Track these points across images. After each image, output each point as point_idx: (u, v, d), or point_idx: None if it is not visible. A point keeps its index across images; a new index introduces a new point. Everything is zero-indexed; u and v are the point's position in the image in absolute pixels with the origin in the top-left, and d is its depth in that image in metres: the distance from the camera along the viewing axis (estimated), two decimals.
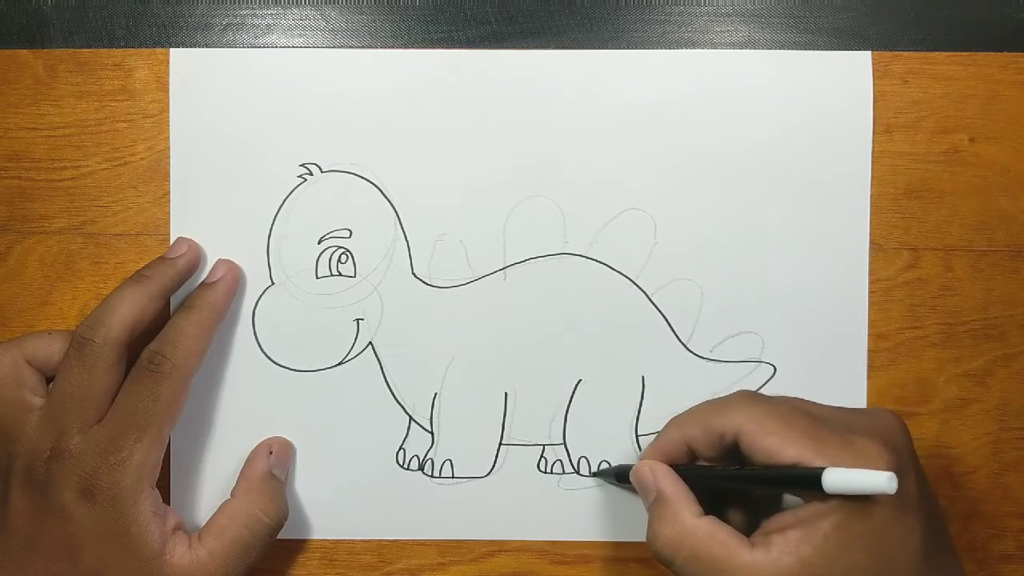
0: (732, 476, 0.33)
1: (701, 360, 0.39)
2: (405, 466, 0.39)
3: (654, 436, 0.39)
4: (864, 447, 0.31)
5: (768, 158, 0.39)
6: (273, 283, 0.39)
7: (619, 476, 0.38)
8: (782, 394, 0.39)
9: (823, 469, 0.29)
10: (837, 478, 0.29)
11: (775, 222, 0.39)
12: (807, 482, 0.30)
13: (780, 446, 0.31)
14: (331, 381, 0.39)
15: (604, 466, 0.39)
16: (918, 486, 0.31)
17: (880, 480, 0.28)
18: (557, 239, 0.39)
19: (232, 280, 0.38)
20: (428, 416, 0.39)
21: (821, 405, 0.34)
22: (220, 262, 0.38)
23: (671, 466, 0.35)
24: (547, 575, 0.39)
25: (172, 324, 0.36)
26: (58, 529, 0.33)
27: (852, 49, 0.39)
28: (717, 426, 0.33)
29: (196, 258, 0.38)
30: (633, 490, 0.36)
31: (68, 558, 0.33)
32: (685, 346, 0.39)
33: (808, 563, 0.30)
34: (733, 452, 0.33)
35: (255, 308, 0.39)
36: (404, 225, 0.39)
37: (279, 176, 0.39)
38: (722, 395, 0.39)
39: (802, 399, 0.34)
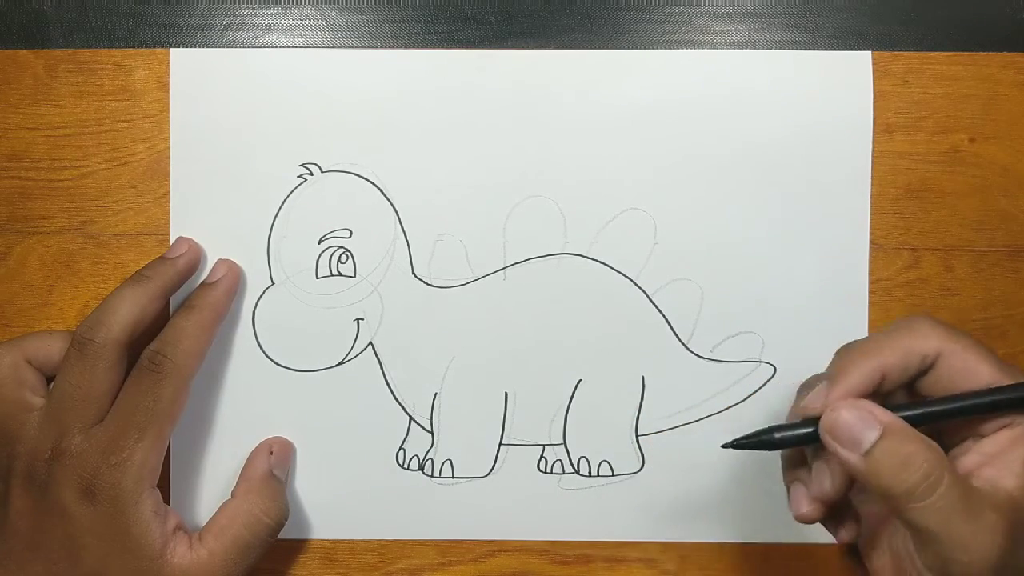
0: (954, 408, 0.30)
1: (701, 360, 0.39)
2: (405, 466, 0.39)
3: (652, 433, 0.39)
4: None
5: (768, 158, 0.39)
6: (273, 283, 0.39)
7: (768, 442, 0.32)
8: (782, 395, 0.39)
9: None
10: None
11: (775, 222, 0.39)
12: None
13: (977, 364, 0.29)
14: (331, 381, 0.39)
15: (604, 467, 0.39)
16: None
17: None
18: (557, 239, 0.39)
19: (232, 280, 0.38)
20: (428, 416, 0.39)
21: None
22: (220, 262, 0.38)
23: None
24: (547, 575, 0.39)
25: (172, 324, 0.36)
26: (59, 529, 0.33)
27: (852, 49, 0.39)
28: (917, 348, 0.30)
29: (196, 258, 0.38)
30: (792, 443, 0.32)
31: (69, 558, 0.33)
32: (685, 346, 0.39)
33: (1017, 497, 0.28)
34: (917, 379, 0.31)
35: (255, 308, 0.39)
36: (404, 225, 0.39)
37: (279, 176, 0.39)
38: (723, 394, 0.39)
39: None
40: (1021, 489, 0.28)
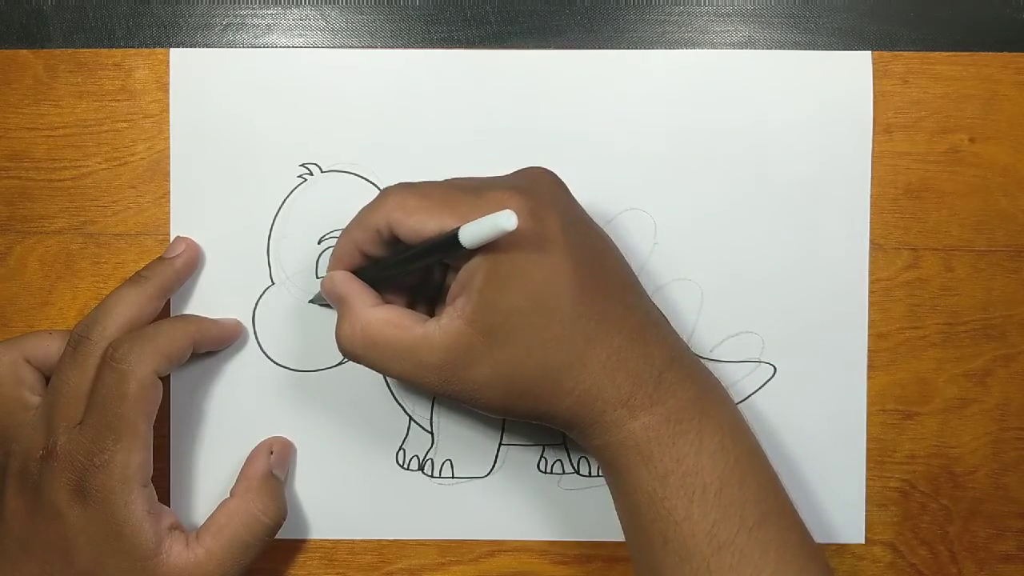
0: (393, 261, 0.34)
1: (701, 360, 0.39)
2: (405, 466, 0.39)
3: None
4: (494, 197, 0.31)
5: (768, 158, 0.39)
6: (273, 283, 0.39)
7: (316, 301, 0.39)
8: (783, 395, 0.39)
9: (459, 228, 0.29)
10: (469, 231, 0.29)
11: (775, 222, 0.39)
12: (450, 245, 0.30)
13: (424, 222, 0.32)
14: (331, 381, 0.39)
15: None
16: (561, 227, 0.32)
17: (500, 219, 0.28)
18: None
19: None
20: (428, 416, 0.39)
21: (474, 178, 0.34)
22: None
23: (356, 271, 0.35)
24: (547, 575, 0.39)
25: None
26: (52, 530, 0.33)
27: (852, 49, 0.39)
28: (372, 222, 0.33)
29: (194, 257, 0.38)
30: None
31: (62, 559, 0.33)
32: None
33: (473, 319, 0.31)
34: (401, 245, 0.33)
35: (255, 308, 0.39)
36: None
37: (279, 176, 0.39)
38: None
39: (460, 177, 0.34)
40: (474, 312, 0.31)
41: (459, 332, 0.31)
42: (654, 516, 0.32)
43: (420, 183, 0.34)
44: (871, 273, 0.39)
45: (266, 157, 0.39)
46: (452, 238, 0.30)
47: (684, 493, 0.31)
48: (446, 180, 0.34)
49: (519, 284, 0.31)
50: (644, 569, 0.33)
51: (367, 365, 0.33)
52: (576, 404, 0.32)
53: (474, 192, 0.32)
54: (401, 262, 0.33)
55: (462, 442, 0.39)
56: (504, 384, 0.32)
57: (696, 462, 0.32)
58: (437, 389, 0.32)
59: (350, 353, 0.33)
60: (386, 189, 0.34)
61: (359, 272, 0.35)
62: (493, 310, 0.31)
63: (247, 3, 0.40)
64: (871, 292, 0.39)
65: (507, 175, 0.34)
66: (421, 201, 0.32)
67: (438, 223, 0.31)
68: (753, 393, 0.39)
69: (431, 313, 0.36)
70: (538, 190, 0.33)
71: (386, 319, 0.33)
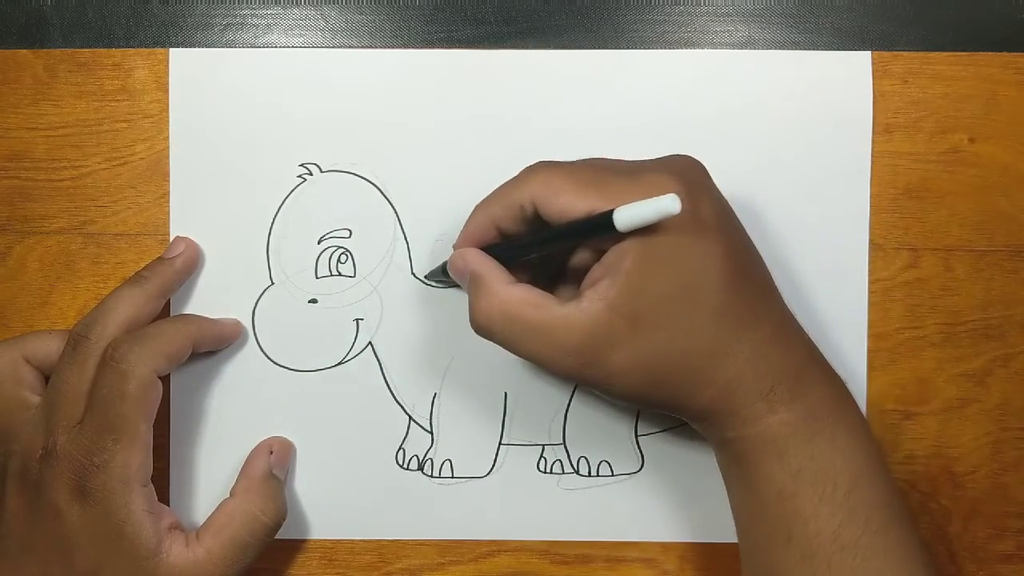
0: (534, 240, 0.33)
1: None
2: (405, 466, 0.39)
3: (652, 433, 0.39)
4: (650, 180, 0.31)
5: (768, 158, 0.39)
6: (273, 283, 0.39)
7: (445, 271, 0.37)
8: None
9: (613, 210, 0.29)
10: (625, 214, 0.29)
11: (775, 222, 0.39)
12: (602, 227, 0.30)
13: (572, 203, 0.31)
14: (331, 381, 0.39)
15: (604, 467, 0.39)
16: (715, 214, 0.32)
17: (664, 203, 0.28)
18: None
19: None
20: (428, 416, 0.39)
21: (620, 160, 0.34)
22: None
23: (484, 249, 0.34)
24: (547, 575, 0.39)
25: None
26: (52, 530, 0.33)
27: (852, 49, 0.39)
28: (515, 199, 0.33)
29: (194, 257, 0.38)
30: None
31: (63, 559, 0.33)
32: None
33: (617, 303, 0.30)
34: (539, 224, 0.33)
35: (255, 308, 0.39)
36: (404, 225, 0.39)
37: (279, 176, 0.39)
38: None
39: (604, 158, 0.34)
40: (618, 297, 0.30)
41: (600, 315, 0.31)
42: (780, 512, 0.32)
43: (566, 162, 0.33)
44: (871, 273, 0.39)
45: (266, 157, 0.39)
46: (605, 220, 0.29)
47: (814, 491, 0.31)
48: (592, 159, 0.34)
49: (669, 270, 0.31)
50: (760, 567, 0.33)
51: (502, 343, 0.32)
52: (717, 396, 0.32)
53: (627, 174, 0.31)
54: (540, 242, 0.33)
55: (462, 442, 0.39)
56: (644, 372, 0.31)
57: (829, 461, 0.31)
58: (572, 373, 0.32)
59: (486, 329, 0.33)
60: (531, 166, 0.33)
61: (487, 249, 0.34)
62: (639, 295, 0.30)
63: (247, 3, 0.40)
64: (871, 292, 0.39)
65: (653, 160, 0.33)
66: (569, 181, 0.32)
67: (587, 204, 0.31)
68: None
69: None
70: (690, 176, 0.32)
71: (524, 298, 0.32)
